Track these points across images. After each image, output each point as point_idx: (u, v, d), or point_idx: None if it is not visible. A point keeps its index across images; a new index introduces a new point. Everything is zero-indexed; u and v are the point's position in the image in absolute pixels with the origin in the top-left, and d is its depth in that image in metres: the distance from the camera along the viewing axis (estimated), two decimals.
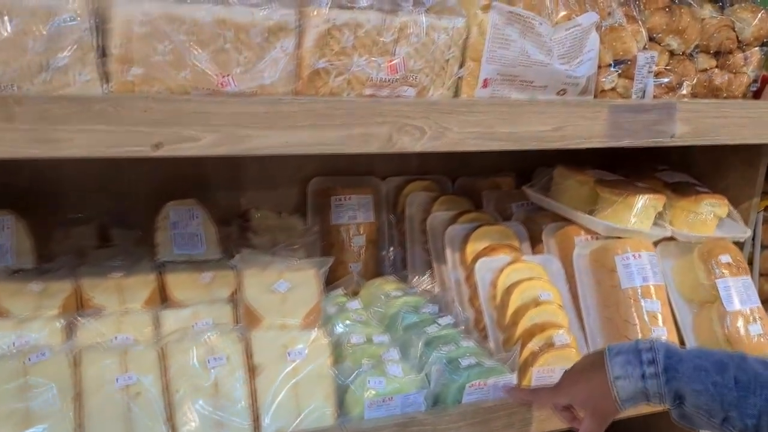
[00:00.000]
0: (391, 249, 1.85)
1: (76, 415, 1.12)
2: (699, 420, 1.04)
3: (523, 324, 1.43)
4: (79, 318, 1.25)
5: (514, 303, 1.46)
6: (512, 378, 1.34)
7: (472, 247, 1.58)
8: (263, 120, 0.99)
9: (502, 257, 1.54)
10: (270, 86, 1.01)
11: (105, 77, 0.94)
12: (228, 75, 0.97)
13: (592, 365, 1.12)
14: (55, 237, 1.53)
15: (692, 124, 1.31)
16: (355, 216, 1.76)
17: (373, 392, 1.23)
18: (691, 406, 1.03)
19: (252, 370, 1.24)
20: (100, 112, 0.90)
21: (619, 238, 1.54)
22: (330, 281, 1.66)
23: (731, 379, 1.01)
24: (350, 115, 1.04)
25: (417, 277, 1.73)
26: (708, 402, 1.01)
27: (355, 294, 1.63)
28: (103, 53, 0.94)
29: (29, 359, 1.13)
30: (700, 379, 1.01)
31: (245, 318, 1.32)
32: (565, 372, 1.20)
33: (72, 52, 0.88)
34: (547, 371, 1.38)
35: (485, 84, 1.16)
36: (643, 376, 1.05)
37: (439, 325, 1.47)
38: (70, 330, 1.24)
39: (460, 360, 1.34)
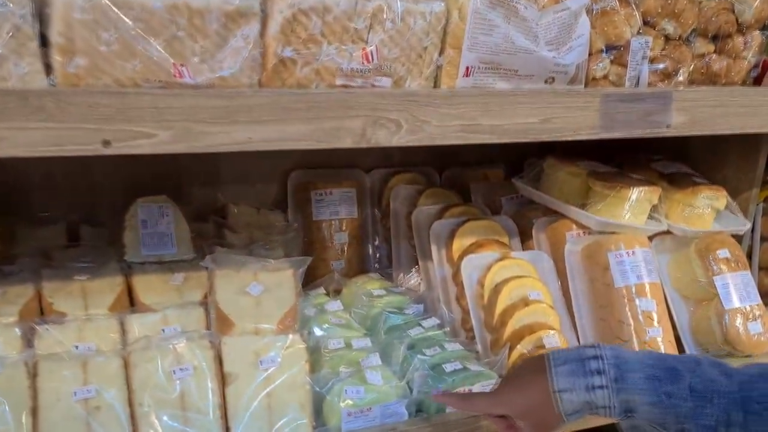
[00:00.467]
0: (376, 245, 1.78)
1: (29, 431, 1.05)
2: (651, 431, 0.96)
3: (512, 325, 1.36)
4: (37, 325, 1.17)
5: (502, 303, 1.39)
6: None
7: (459, 243, 1.51)
8: (223, 115, 0.91)
9: (489, 254, 1.47)
10: (231, 78, 0.93)
11: (47, 69, 0.86)
12: (183, 65, 0.89)
13: (533, 374, 1.01)
14: (20, 237, 1.46)
15: (689, 114, 1.23)
16: (337, 211, 1.69)
17: (351, 402, 1.16)
18: (643, 419, 0.94)
19: (223, 380, 1.17)
20: (41, 108, 0.82)
21: (613, 233, 1.47)
22: (311, 279, 1.60)
23: (686, 389, 0.92)
24: (319, 108, 0.96)
25: (403, 275, 1.67)
26: (661, 414, 0.92)
27: (337, 293, 1.56)
28: (44, 42, 0.86)
29: None
30: (653, 389, 0.92)
31: (217, 323, 1.24)
32: (504, 378, 1.10)
33: (6, 42, 0.80)
34: None
35: (467, 73, 1.08)
36: (589, 387, 0.94)
37: (423, 327, 1.40)
38: (28, 338, 1.16)
39: (444, 365, 1.27)
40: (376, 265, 1.77)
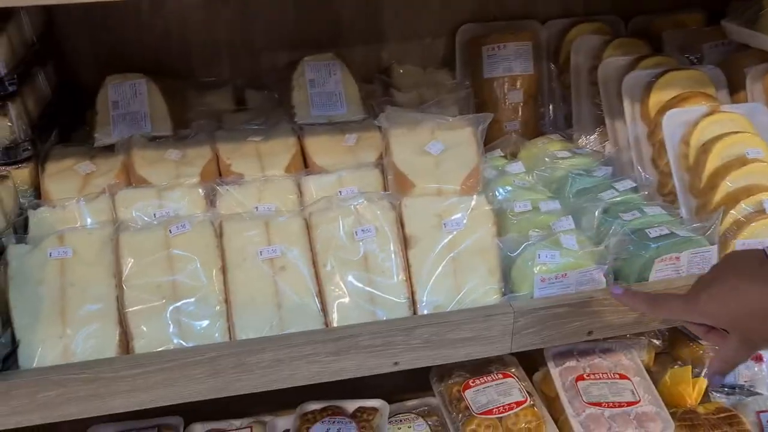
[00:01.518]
0: (552, 105, 1.62)
1: (221, 288, 1.05)
2: None
3: (725, 187, 1.19)
4: (218, 186, 1.16)
5: (712, 162, 1.21)
6: (712, 251, 1.12)
7: (657, 97, 1.32)
8: None
9: (695, 108, 1.28)
10: None
11: None
12: None
13: (748, 276, 0.81)
14: (190, 102, 1.45)
15: None
16: (510, 67, 1.54)
17: (545, 267, 1.07)
18: None
19: (405, 242, 1.11)
20: None
21: None
22: (484, 142, 1.48)
23: None
24: None
25: (584, 136, 1.51)
26: None
27: (513, 156, 1.44)
28: None
29: (171, 231, 1.06)
30: None
31: (395, 184, 1.17)
32: (703, 279, 0.88)
33: None
34: (755, 244, 1.14)
35: None
36: None
37: (617, 190, 1.26)
38: (210, 199, 1.15)
39: (647, 230, 1.13)
40: (552, 126, 1.62)
